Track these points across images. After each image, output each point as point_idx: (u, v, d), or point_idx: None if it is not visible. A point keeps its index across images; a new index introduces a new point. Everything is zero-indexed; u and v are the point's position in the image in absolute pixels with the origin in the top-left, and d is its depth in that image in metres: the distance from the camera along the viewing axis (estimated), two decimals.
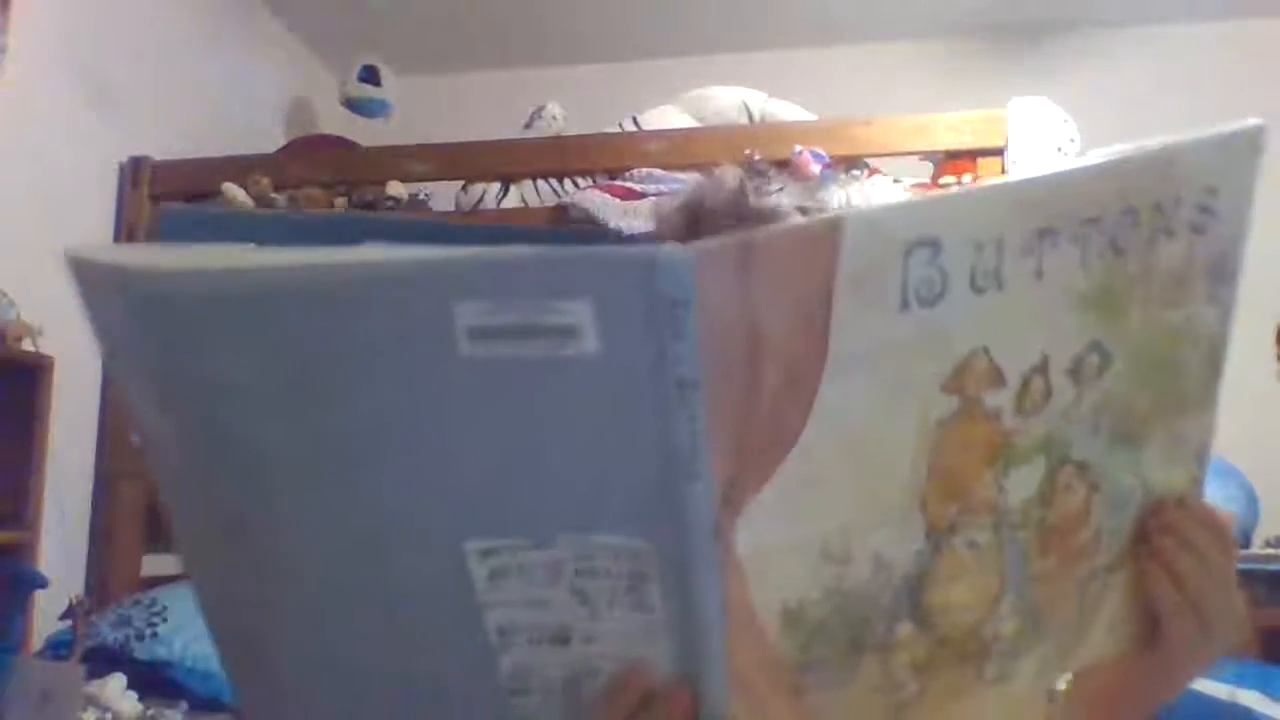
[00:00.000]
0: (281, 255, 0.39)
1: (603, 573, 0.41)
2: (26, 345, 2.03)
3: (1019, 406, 0.46)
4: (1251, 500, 2.84)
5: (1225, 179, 0.50)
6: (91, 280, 0.44)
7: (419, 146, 2.58)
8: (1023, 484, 0.47)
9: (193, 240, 0.44)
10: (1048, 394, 0.47)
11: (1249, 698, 2.25)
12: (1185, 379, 0.52)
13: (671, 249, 0.36)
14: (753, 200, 0.82)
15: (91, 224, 2.44)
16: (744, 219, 0.79)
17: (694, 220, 0.81)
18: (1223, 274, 0.52)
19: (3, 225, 2.12)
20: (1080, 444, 0.49)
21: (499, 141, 2.60)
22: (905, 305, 0.41)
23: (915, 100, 2.62)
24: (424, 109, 3.25)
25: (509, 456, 0.40)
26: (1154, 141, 0.48)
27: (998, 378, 0.45)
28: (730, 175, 0.82)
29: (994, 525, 0.47)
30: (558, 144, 2.62)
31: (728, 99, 2.70)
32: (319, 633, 0.47)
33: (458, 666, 0.45)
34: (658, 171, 2.40)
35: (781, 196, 0.87)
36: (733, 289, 0.37)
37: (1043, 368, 0.46)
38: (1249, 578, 2.58)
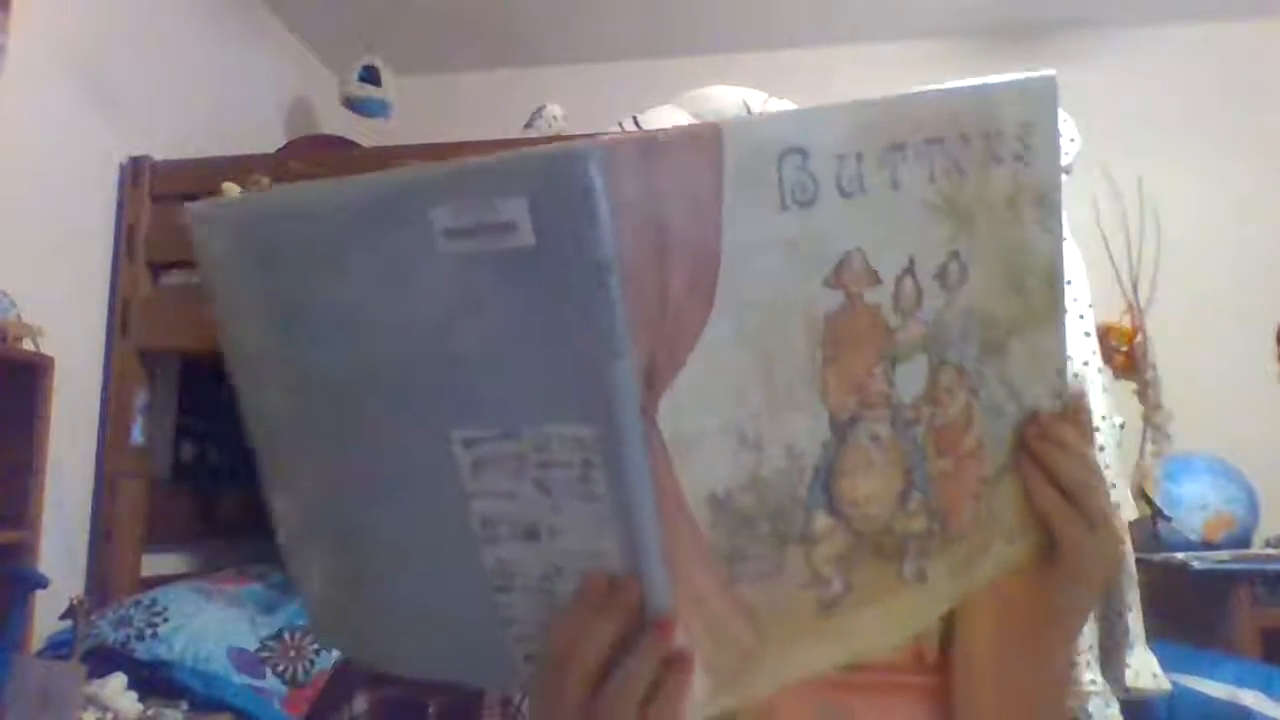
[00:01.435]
0: (327, 183, 0.49)
1: (559, 462, 0.45)
2: (26, 345, 2.04)
3: (896, 305, 0.51)
4: (1251, 500, 2.84)
5: (1035, 117, 0.58)
6: (207, 227, 0.54)
7: (419, 146, 2.58)
8: (910, 380, 0.53)
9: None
10: (919, 295, 0.52)
11: (1249, 698, 2.25)
12: (1030, 297, 0.59)
13: (582, 144, 0.41)
14: None
15: (91, 224, 2.44)
16: None
17: None
18: (1047, 205, 0.59)
19: (3, 225, 2.12)
20: (955, 347, 0.55)
21: (499, 142, 2.60)
22: (785, 206, 0.46)
23: None
24: (424, 109, 3.26)
25: (479, 347, 0.45)
26: (969, 82, 0.57)
27: (873, 277, 0.50)
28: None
29: (891, 419, 0.52)
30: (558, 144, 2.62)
31: (728, 99, 2.70)
32: (366, 534, 0.54)
33: (455, 560, 0.49)
34: None
35: None
36: (637, 180, 0.42)
37: (911, 270, 0.52)
38: (1249, 578, 2.59)
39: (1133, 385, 2.92)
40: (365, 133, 3.17)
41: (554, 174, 0.41)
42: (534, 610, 0.48)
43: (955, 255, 0.54)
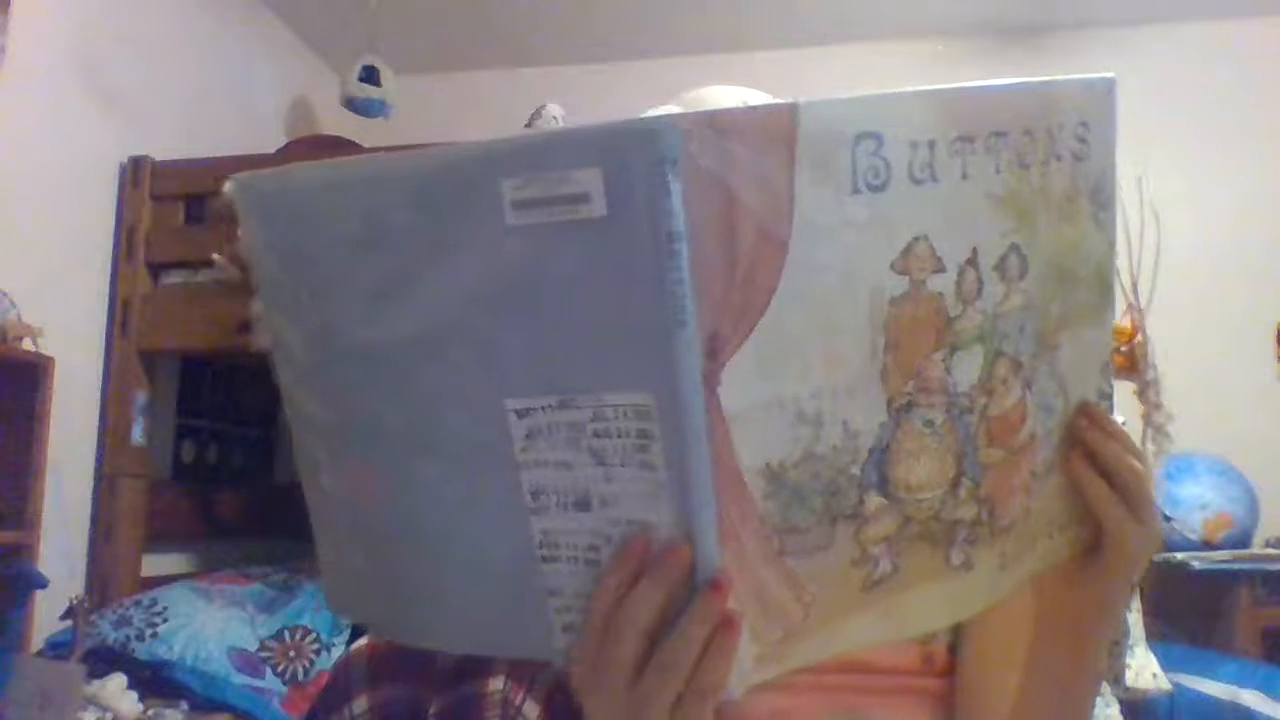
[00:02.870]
0: (376, 158, 0.50)
1: (615, 432, 0.46)
2: (26, 345, 2.04)
3: (958, 294, 0.52)
4: (1251, 500, 2.84)
5: (1092, 116, 0.59)
6: (249, 196, 0.55)
7: (419, 147, 2.58)
8: (967, 369, 0.53)
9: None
10: (979, 286, 0.53)
11: (1249, 698, 2.25)
12: (1082, 293, 0.60)
13: (659, 118, 0.42)
14: None
15: (91, 224, 2.44)
16: None
17: None
18: (1102, 200, 0.60)
19: (3, 225, 2.12)
20: (1012, 340, 0.55)
21: None
22: (856, 189, 0.47)
23: None
24: (424, 109, 3.26)
25: (539, 316, 0.46)
26: (1036, 79, 0.57)
27: (938, 263, 0.50)
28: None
29: (946, 406, 0.52)
30: None
31: (728, 99, 2.69)
32: (395, 502, 0.54)
33: (500, 530, 0.50)
34: None
35: None
36: (710, 154, 0.42)
37: (974, 260, 0.52)
38: (1249, 578, 2.59)
39: (1133, 385, 2.92)
40: (365, 133, 3.17)
41: (630, 146, 0.42)
42: (579, 580, 0.49)
43: (1015, 248, 0.54)
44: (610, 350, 0.45)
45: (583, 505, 0.48)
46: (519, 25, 3.31)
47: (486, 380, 0.48)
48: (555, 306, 0.45)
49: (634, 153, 0.42)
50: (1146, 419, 2.94)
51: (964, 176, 0.51)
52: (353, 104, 3.17)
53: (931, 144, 0.49)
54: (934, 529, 0.53)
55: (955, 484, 0.53)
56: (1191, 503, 2.78)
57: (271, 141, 3.02)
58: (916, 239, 0.49)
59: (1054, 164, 0.56)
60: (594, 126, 0.43)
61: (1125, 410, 2.63)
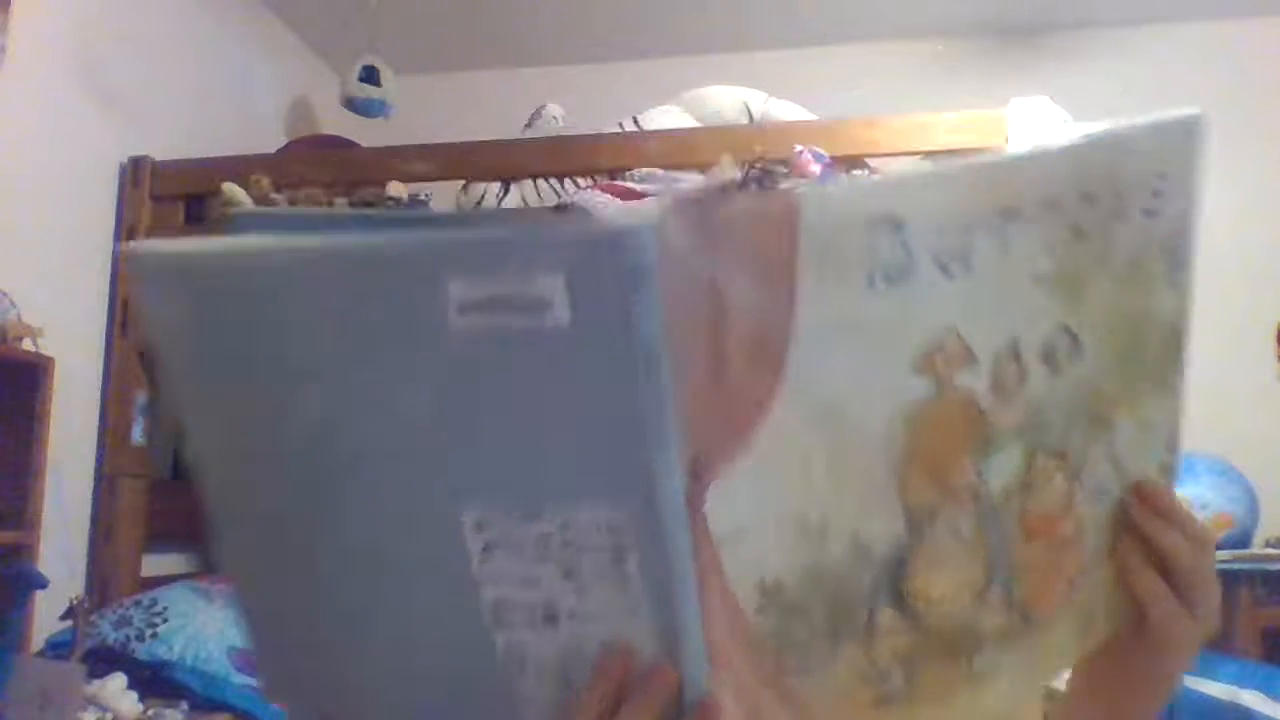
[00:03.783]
0: (301, 239, 0.43)
1: (587, 546, 0.42)
2: (26, 345, 2.04)
3: (993, 388, 0.46)
4: (1251, 500, 2.84)
5: (1171, 164, 0.52)
6: (145, 269, 0.48)
7: (419, 146, 2.58)
8: (1002, 470, 0.48)
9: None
10: (1022, 377, 0.47)
11: (1249, 698, 2.25)
12: (1149, 363, 0.54)
13: (632, 220, 0.37)
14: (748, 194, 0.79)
15: (91, 224, 2.44)
16: None
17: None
18: (1178, 258, 0.53)
19: (3, 225, 2.12)
20: (1059, 431, 0.50)
21: (499, 141, 2.60)
22: (871, 282, 0.42)
23: (915, 100, 2.62)
24: (424, 109, 3.25)
25: (498, 426, 0.41)
26: (1102, 127, 0.50)
27: (969, 357, 0.45)
28: (727, 170, 0.81)
29: (976, 512, 0.47)
30: (558, 144, 2.62)
31: (728, 99, 2.70)
32: (341, 600, 0.49)
33: (458, 645, 0.46)
34: (658, 171, 2.40)
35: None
36: (695, 258, 0.38)
37: (1014, 349, 0.47)
38: (1249, 578, 2.58)
39: None
40: (365, 133, 3.17)
41: (597, 251, 0.37)
42: (550, 691, 0.45)
43: (1066, 329, 0.49)
44: (579, 464, 0.40)
45: (550, 620, 0.43)
46: (519, 25, 3.31)
47: (436, 491, 0.43)
48: (513, 418, 0.41)
49: (603, 259, 0.37)
50: None
51: (1004, 256, 0.45)
52: (353, 104, 3.17)
53: (965, 227, 0.44)
54: (957, 639, 0.48)
55: (983, 591, 0.48)
56: (1192, 503, 2.78)
57: (271, 141, 3.02)
58: (943, 333, 0.44)
59: (1119, 227, 0.50)
60: (557, 228, 0.38)
61: None
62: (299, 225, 0.49)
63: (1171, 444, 0.56)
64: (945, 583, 0.47)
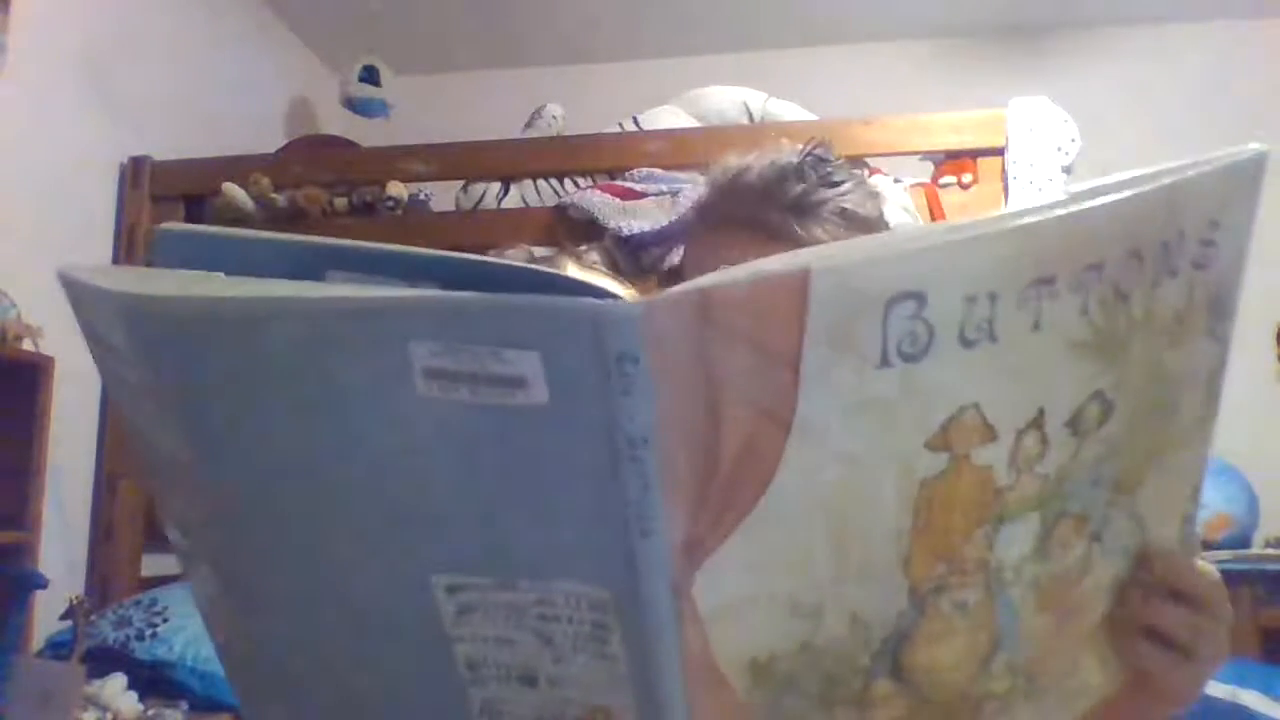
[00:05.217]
0: (262, 285, 0.39)
1: (565, 618, 0.40)
2: (26, 345, 2.04)
3: (1012, 463, 0.43)
4: (1251, 500, 2.84)
5: (1227, 210, 0.48)
6: (85, 299, 0.43)
7: (419, 146, 2.58)
8: (1016, 541, 0.45)
9: (186, 259, 0.43)
10: (1044, 449, 0.44)
11: (1249, 698, 2.25)
12: (1183, 417, 0.50)
13: (617, 303, 0.34)
14: (791, 192, 0.74)
15: (91, 224, 2.44)
16: (767, 216, 0.74)
17: (720, 203, 0.77)
18: (1223, 309, 0.50)
19: (3, 225, 2.12)
20: (1080, 496, 0.46)
21: (499, 141, 2.60)
22: (886, 360, 0.38)
23: (915, 100, 2.62)
24: (424, 109, 3.26)
25: (467, 497, 0.38)
26: (1154, 174, 0.45)
27: (989, 434, 0.42)
28: (785, 153, 0.77)
29: (985, 584, 0.45)
30: (558, 144, 2.62)
31: (728, 99, 2.70)
32: (297, 658, 0.47)
33: (432, 701, 0.44)
34: (658, 171, 2.40)
35: (844, 197, 0.76)
36: (688, 342, 0.35)
37: (1039, 422, 0.43)
38: (1249, 578, 2.58)
39: None
40: (365, 133, 3.17)
41: (581, 334, 0.34)
42: None
43: (1099, 395, 0.45)
44: (556, 542, 0.38)
45: (529, 681, 0.42)
46: (519, 25, 3.31)
47: (406, 555, 0.40)
48: (486, 491, 0.38)
49: (581, 341, 0.34)
50: None
51: (1036, 329, 0.41)
52: (353, 104, 3.17)
53: (993, 296, 0.39)
54: (955, 706, 0.46)
55: (989, 659, 0.46)
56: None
57: (271, 141, 3.02)
58: (962, 409, 0.41)
59: (1167, 283, 0.45)
60: (535, 302, 0.34)
61: None
62: (225, 248, 0.44)
63: (1195, 494, 0.53)
64: (948, 654, 0.45)
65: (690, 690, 0.39)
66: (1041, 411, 0.43)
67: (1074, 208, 0.41)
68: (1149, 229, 0.44)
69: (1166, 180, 0.45)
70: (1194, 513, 0.53)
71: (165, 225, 0.46)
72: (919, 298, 0.38)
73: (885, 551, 0.41)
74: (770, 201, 0.75)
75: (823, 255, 0.37)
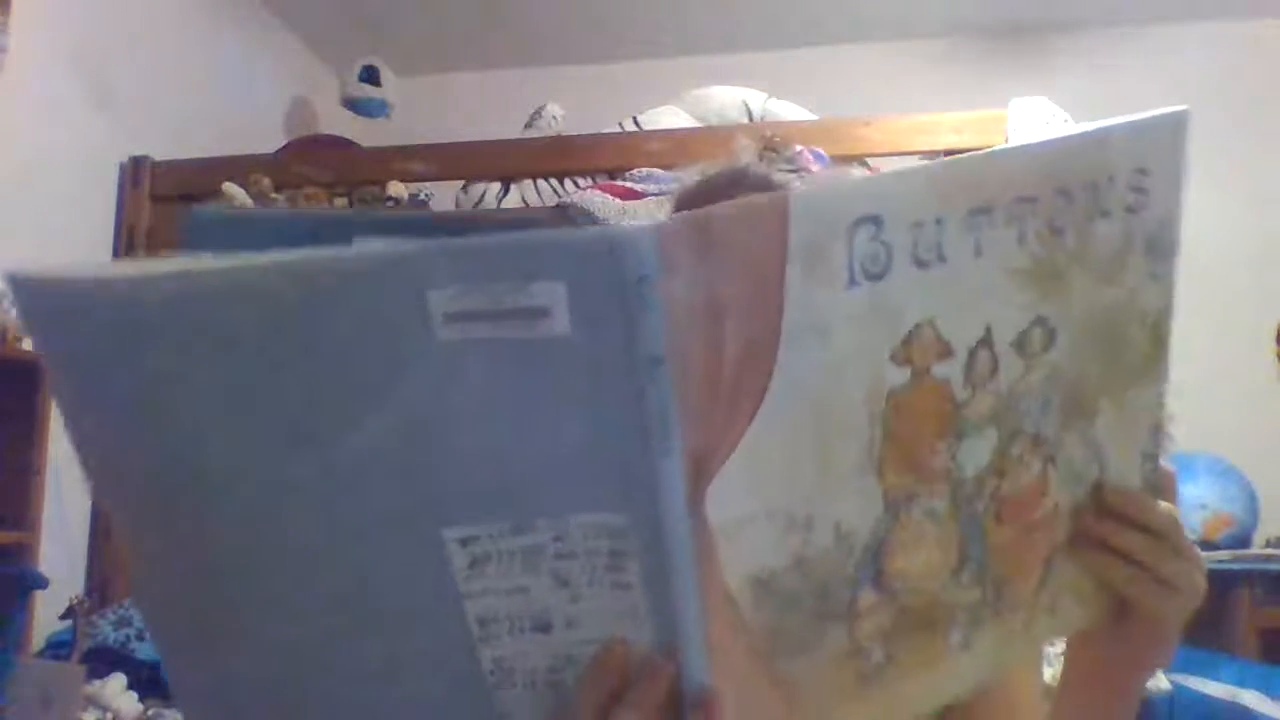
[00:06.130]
0: (258, 257, 0.40)
1: (581, 553, 0.42)
2: (26, 345, 2.04)
3: (967, 378, 0.48)
4: (1251, 500, 2.84)
5: (1155, 160, 0.53)
6: (41, 299, 0.44)
7: (419, 146, 2.59)
8: (975, 455, 0.49)
9: (218, 242, 0.44)
10: (994, 367, 0.49)
11: (1249, 698, 2.25)
12: (1130, 354, 0.55)
13: (632, 228, 0.37)
14: (761, 172, 0.82)
15: (91, 224, 2.44)
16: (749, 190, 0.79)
17: (708, 198, 0.81)
18: (1161, 251, 0.55)
19: (3, 225, 2.12)
20: (1033, 417, 0.51)
21: (499, 141, 2.60)
22: (853, 280, 0.43)
23: (915, 100, 2.62)
24: (424, 109, 3.26)
25: (488, 439, 0.40)
26: (1083, 127, 0.51)
27: (945, 349, 0.47)
28: (744, 155, 0.82)
29: (950, 495, 0.49)
30: (558, 144, 2.62)
31: (728, 99, 2.70)
32: (288, 632, 0.47)
33: (439, 662, 0.45)
34: (658, 171, 2.40)
35: (795, 177, 0.85)
36: (694, 264, 0.38)
37: (988, 341, 0.48)
38: (1249, 578, 2.59)
39: None
40: (365, 133, 3.17)
41: (601, 260, 0.37)
42: (538, 704, 0.45)
43: (1041, 321, 0.50)
44: (575, 473, 0.40)
45: (542, 628, 0.43)
46: (519, 25, 3.31)
47: (416, 510, 0.42)
48: (504, 430, 0.40)
49: (606, 267, 0.37)
50: None
51: (977, 253, 0.47)
52: (353, 104, 3.17)
53: (939, 221, 0.45)
54: (934, 615, 0.50)
55: (958, 570, 0.50)
56: (1191, 503, 2.78)
57: (271, 141, 3.02)
58: (919, 325, 0.46)
59: (1099, 222, 0.51)
60: (557, 235, 0.38)
61: None
62: (261, 227, 0.47)
63: (1155, 432, 0.57)
64: (921, 561, 0.49)
65: (707, 614, 0.41)
66: (989, 330, 0.48)
67: (1004, 148, 0.49)
68: (1075, 171, 0.50)
69: (1093, 131, 0.51)
70: (1155, 452, 0.57)
71: (198, 208, 0.47)
72: (877, 221, 0.43)
73: (861, 461, 0.45)
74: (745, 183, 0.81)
75: (800, 188, 0.41)
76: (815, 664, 0.46)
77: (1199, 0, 3.16)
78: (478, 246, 0.38)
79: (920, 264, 0.45)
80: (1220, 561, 2.60)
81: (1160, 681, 1.97)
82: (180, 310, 0.41)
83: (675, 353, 0.38)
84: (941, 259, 0.45)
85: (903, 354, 0.45)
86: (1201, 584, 0.57)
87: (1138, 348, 0.55)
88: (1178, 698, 2.16)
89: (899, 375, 0.46)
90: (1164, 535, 0.55)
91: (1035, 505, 0.53)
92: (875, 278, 0.43)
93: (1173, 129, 0.54)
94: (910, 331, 0.45)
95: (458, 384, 0.39)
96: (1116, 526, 0.55)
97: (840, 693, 0.48)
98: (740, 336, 0.40)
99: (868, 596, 0.47)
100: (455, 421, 0.40)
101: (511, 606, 0.43)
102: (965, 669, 0.53)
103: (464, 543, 0.42)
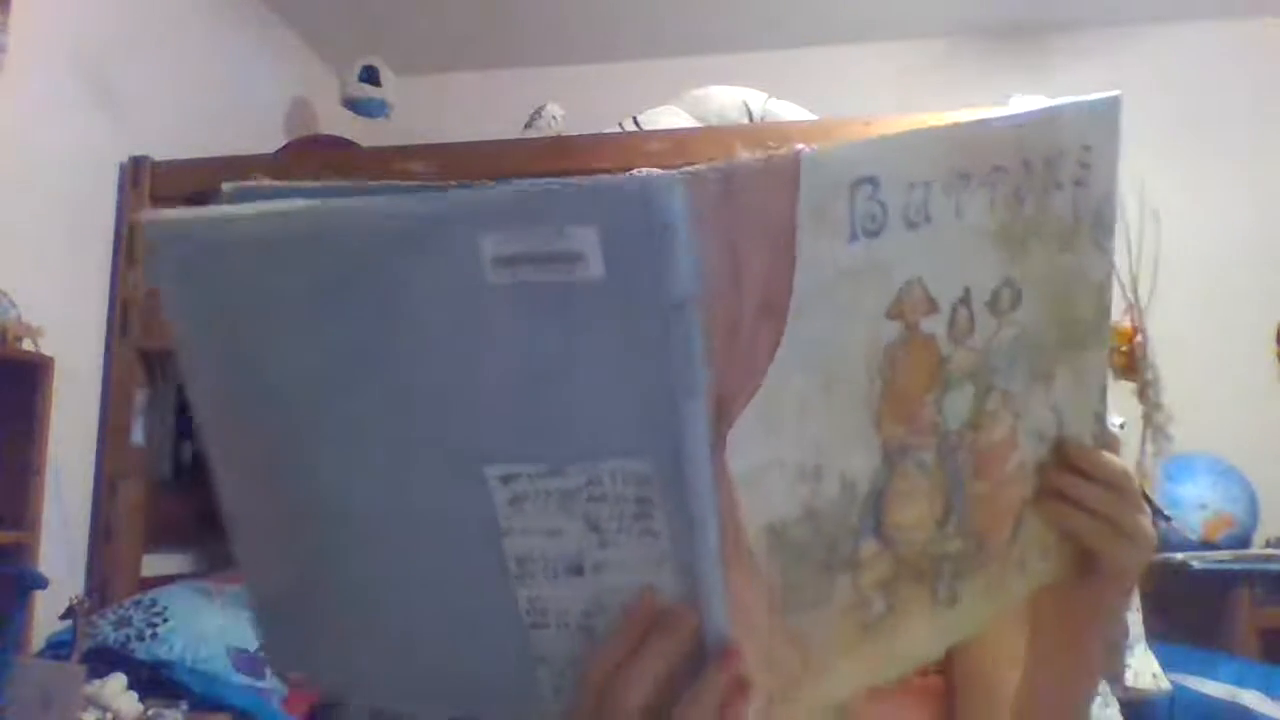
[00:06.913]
0: (333, 201, 0.45)
1: (611, 498, 0.44)
2: (26, 345, 2.04)
3: (950, 334, 0.51)
4: (1251, 500, 2.84)
5: (1095, 137, 0.58)
6: (163, 238, 0.51)
7: (419, 146, 2.59)
8: (957, 408, 0.52)
9: None
10: (971, 323, 0.52)
11: (1249, 698, 2.25)
12: (1081, 319, 0.59)
13: (663, 174, 0.39)
14: None
15: (91, 224, 2.44)
16: None
17: None
18: (1104, 224, 0.59)
19: (3, 225, 2.12)
20: (1004, 373, 0.54)
21: (499, 141, 2.60)
22: (854, 236, 0.45)
23: (915, 100, 2.62)
24: (424, 109, 3.26)
25: (529, 381, 0.43)
26: (1040, 104, 0.56)
27: (931, 305, 0.50)
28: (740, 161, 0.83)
29: (937, 446, 0.52)
30: (558, 144, 2.62)
31: (728, 99, 2.70)
32: (354, 567, 0.51)
33: (480, 597, 0.48)
34: (658, 171, 2.40)
35: None
36: (717, 214, 0.40)
37: (966, 299, 0.51)
38: (1249, 578, 2.59)
39: (1132, 385, 2.92)
40: (365, 133, 3.17)
41: (633, 206, 0.39)
42: (571, 645, 0.47)
43: (1008, 282, 0.53)
44: (607, 417, 0.43)
45: (574, 571, 0.46)
46: (519, 25, 3.31)
47: (464, 446, 0.45)
48: (543, 371, 0.43)
49: (637, 212, 0.39)
50: (1146, 419, 2.94)
51: (957, 215, 0.50)
52: (353, 104, 3.17)
53: (928, 184, 0.48)
54: (923, 566, 0.52)
55: (943, 520, 0.53)
56: (1191, 503, 2.78)
57: (271, 141, 3.02)
58: (910, 282, 0.48)
59: (1053, 193, 0.55)
60: (592, 181, 0.40)
61: (1125, 410, 2.63)
62: (290, 198, 0.50)
63: (1101, 395, 0.62)
64: (914, 511, 0.51)
65: (726, 560, 0.43)
66: (968, 290, 0.51)
67: (984, 119, 0.53)
68: (1035, 144, 0.54)
69: (1048, 108, 0.57)
70: (1103, 412, 0.62)
71: (229, 185, 0.53)
72: (874, 181, 0.45)
73: (863, 413, 0.48)
74: None
75: (806, 147, 0.43)
76: (823, 617, 0.48)
77: (1198, 0, 3.16)
78: (522, 193, 0.41)
79: (910, 224, 0.47)
80: (1220, 561, 2.61)
81: (1160, 681, 1.97)
82: (273, 244, 0.47)
83: (700, 298, 0.40)
84: (927, 219, 0.48)
85: (896, 309, 0.48)
86: (1155, 535, 0.61)
87: (1087, 313, 0.59)
88: (1177, 698, 2.16)
89: (893, 329, 0.48)
90: (1121, 488, 0.59)
91: (1006, 460, 0.56)
92: (872, 234, 0.46)
93: (1110, 111, 0.59)
94: (901, 288, 0.48)
95: (504, 325, 0.42)
96: (1077, 480, 0.58)
97: (846, 644, 0.49)
98: (758, 285, 0.42)
99: (870, 546, 0.49)
100: (499, 362, 0.43)
101: (547, 548, 0.46)
102: (954, 622, 0.55)
103: (505, 480, 0.45)
